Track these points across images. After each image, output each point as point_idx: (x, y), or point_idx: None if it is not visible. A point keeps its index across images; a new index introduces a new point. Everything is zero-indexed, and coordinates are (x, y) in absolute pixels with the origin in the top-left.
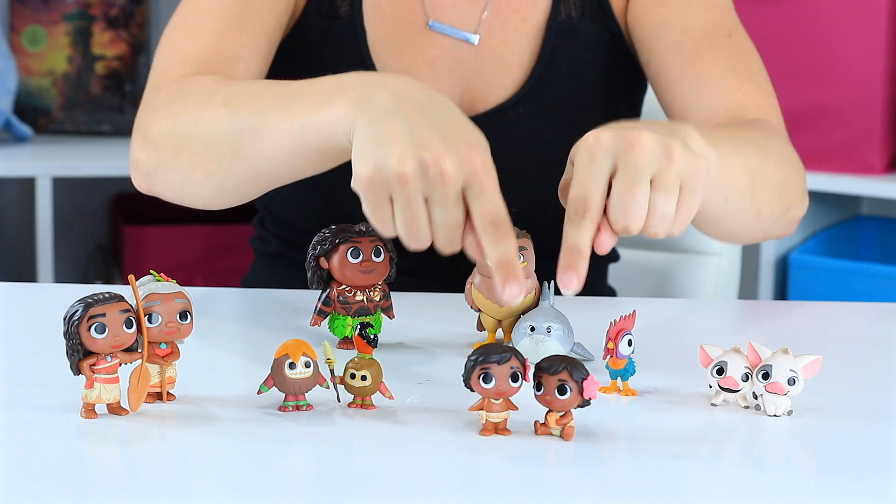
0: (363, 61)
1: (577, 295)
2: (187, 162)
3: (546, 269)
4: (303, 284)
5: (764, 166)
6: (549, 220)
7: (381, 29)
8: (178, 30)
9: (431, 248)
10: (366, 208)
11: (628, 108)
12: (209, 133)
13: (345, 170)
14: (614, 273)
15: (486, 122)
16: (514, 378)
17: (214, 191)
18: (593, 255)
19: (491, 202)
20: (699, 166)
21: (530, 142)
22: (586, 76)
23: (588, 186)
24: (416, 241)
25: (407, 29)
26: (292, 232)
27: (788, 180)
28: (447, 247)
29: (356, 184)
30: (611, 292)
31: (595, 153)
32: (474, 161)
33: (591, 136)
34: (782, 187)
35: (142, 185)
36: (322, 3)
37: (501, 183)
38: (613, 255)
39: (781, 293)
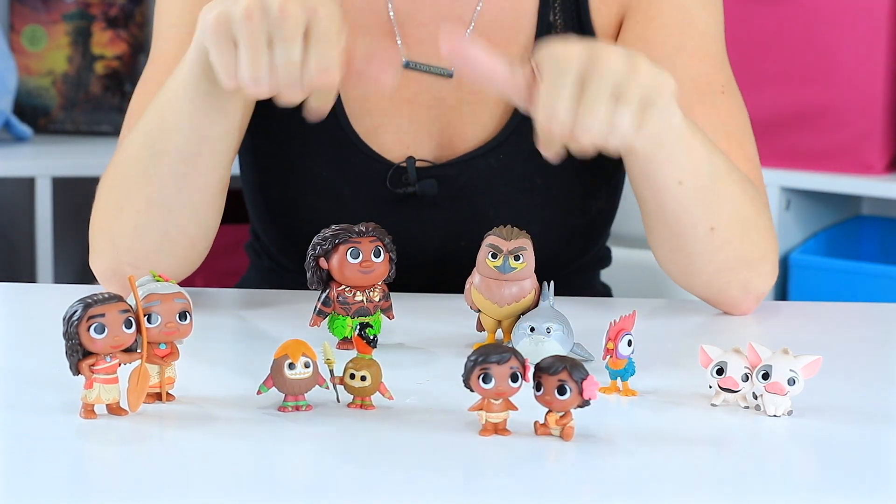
0: (336, 117)
1: (571, 296)
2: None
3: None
4: (297, 294)
5: (730, 180)
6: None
7: None
8: (139, 90)
9: (431, 263)
10: (212, 55)
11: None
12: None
13: (302, 196)
14: (614, 273)
15: (467, 165)
16: (514, 378)
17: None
18: (584, 262)
19: (327, 48)
20: (663, 83)
21: (513, 185)
22: None
23: (555, 105)
24: (256, 82)
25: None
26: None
27: (756, 225)
28: (287, 89)
29: (202, 31)
30: (605, 290)
31: (563, 67)
32: (318, 9)
33: (560, 48)
34: (747, 222)
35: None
36: None
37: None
38: (605, 261)
39: (782, 293)
